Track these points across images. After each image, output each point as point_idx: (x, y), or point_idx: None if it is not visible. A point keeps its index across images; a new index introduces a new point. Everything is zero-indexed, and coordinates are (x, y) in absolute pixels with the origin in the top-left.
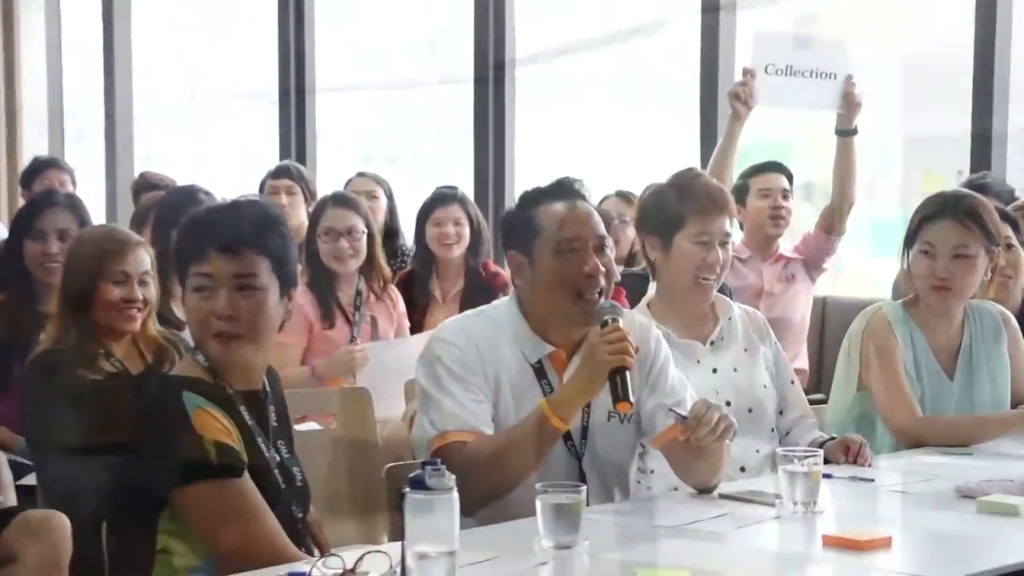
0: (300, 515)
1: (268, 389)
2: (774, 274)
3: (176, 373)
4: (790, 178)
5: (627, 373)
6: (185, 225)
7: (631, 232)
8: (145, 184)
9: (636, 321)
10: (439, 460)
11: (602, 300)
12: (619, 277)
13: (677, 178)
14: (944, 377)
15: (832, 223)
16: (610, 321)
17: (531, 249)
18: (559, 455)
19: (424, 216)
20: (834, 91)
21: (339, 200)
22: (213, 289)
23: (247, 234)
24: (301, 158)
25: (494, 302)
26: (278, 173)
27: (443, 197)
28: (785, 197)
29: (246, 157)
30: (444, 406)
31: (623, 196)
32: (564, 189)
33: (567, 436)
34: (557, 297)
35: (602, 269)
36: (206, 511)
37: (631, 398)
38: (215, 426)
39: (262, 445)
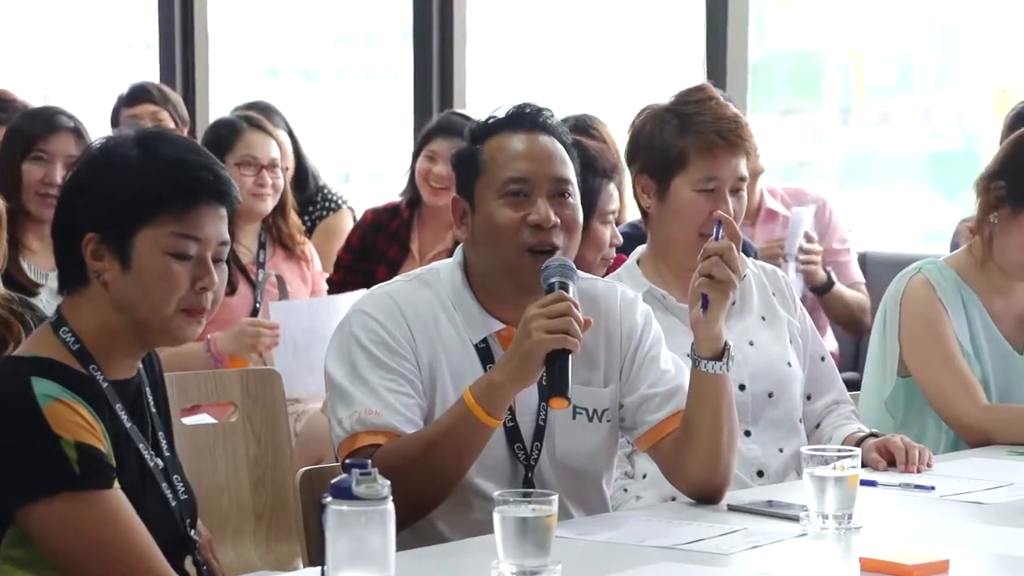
0: (194, 537)
1: (143, 373)
2: (764, 239)
3: (26, 353)
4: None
5: (569, 358)
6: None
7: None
8: None
9: (618, 292)
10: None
11: (552, 257)
12: (620, 240)
13: (681, 99)
14: (1012, 351)
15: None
16: (556, 286)
17: (472, 192)
18: (502, 464)
19: (421, 145)
20: None
21: (256, 123)
22: None
23: None
24: (188, 74)
25: (435, 263)
26: (135, 97)
27: (448, 126)
28: None
29: (105, 70)
30: (355, 400)
31: (585, 129)
32: (524, 119)
33: (514, 439)
34: (498, 255)
35: (554, 220)
36: (63, 533)
37: (569, 393)
38: (76, 422)
39: (144, 452)
